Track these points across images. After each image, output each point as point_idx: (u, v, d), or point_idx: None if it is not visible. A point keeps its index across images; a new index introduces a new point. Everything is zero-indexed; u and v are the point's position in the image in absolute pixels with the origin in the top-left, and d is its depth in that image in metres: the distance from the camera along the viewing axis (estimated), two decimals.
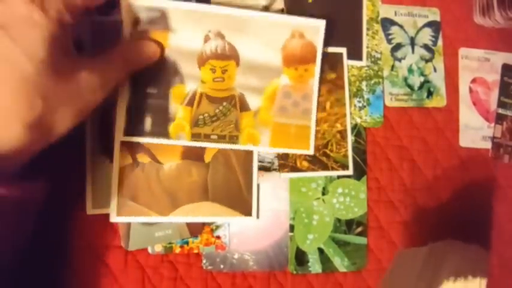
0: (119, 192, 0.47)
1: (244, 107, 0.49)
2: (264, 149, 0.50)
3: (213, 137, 0.49)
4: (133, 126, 0.47)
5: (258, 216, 0.50)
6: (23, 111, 0.32)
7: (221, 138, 0.49)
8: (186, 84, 0.48)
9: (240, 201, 0.49)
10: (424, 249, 0.47)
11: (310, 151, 0.51)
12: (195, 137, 0.48)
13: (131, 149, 0.47)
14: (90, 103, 0.38)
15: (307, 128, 0.51)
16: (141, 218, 0.47)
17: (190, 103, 0.48)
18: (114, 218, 0.47)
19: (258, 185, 0.50)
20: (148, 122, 0.48)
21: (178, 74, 0.48)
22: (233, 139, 0.49)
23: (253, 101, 0.49)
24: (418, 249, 0.48)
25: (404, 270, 0.47)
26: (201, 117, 0.48)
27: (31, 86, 0.33)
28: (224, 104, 0.49)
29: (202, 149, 0.49)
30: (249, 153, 0.50)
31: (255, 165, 0.50)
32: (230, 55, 0.49)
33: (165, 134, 0.48)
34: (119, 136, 0.47)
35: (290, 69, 0.50)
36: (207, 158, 0.49)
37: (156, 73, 0.48)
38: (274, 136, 0.50)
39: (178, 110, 0.48)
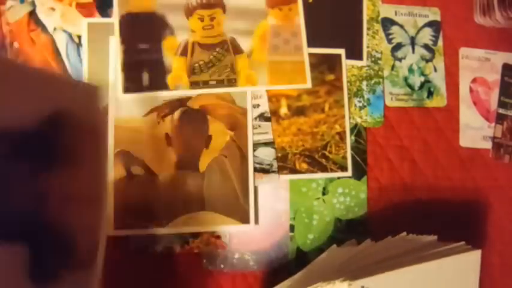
0: (115, 205, 0.47)
1: (237, 50, 0.51)
2: (263, 88, 0.51)
3: (211, 82, 0.50)
4: (132, 83, 0.48)
5: (256, 222, 0.49)
6: None
7: (219, 83, 0.50)
8: (176, 36, 0.50)
9: (237, 208, 0.49)
10: None
11: (308, 84, 0.51)
12: (194, 85, 0.50)
13: (125, 161, 0.48)
14: None
15: (301, 63, 0.51)
16: (139, 230, 0.47)
17: (184, 53, 0.50)
18: (111, 232, 0.47)
19: (256, 188, 0.50)
20: (145, 77, 0.49)
21: (168, 26, 0.50)
22: (231, 82, 0.50)
23: (245, 43, 0.51)
24: None
25: None
26: (196, 65, 0.50)
27: None
28: (217, 49, 0.50)
29: (197, 158, 0.49)
30: (244, 159, 0.50)
31: (251, 170, 0.49)
32: (215, 3, 0.51)
33: (164, 86, 0.49)
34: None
35: (275, 10, 0.52)
36: (202, 167, 0.49)
37: (145, 28, 0.49)
38: (271, 74, 0.51)
39: (173, 62, 0.50)
